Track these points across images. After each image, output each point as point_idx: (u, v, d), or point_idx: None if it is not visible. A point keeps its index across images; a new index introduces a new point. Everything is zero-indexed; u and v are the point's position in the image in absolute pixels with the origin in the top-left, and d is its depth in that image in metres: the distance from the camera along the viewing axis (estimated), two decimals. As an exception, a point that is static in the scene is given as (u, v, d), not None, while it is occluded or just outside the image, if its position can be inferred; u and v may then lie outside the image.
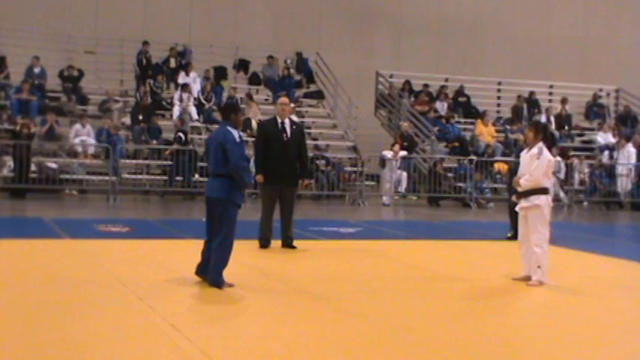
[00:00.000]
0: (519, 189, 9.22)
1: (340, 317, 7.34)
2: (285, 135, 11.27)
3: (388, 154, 20.98)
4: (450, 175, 21.50)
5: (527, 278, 9.18)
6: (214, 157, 8.34)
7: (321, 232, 13.44)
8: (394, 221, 18.02)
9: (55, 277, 8.69)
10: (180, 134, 19.86)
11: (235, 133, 8.30)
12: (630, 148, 22.86)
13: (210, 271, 8.17)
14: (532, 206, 9.09)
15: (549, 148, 9.61)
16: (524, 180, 9.15)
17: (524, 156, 9.32)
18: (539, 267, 9.06)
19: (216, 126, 21.97)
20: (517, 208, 9.44)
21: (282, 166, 11.16)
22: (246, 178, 8.46)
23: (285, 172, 11.18)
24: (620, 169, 22.55)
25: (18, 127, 18.58)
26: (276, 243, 11.26)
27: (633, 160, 22.69)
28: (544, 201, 9.10)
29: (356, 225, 15.33)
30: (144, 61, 23.13)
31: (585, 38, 28.95)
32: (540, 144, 9.18)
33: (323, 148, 22.24)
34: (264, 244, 11.20)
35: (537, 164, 9.09)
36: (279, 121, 11.34)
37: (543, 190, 9.12)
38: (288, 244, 11.28)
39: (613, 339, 7.14)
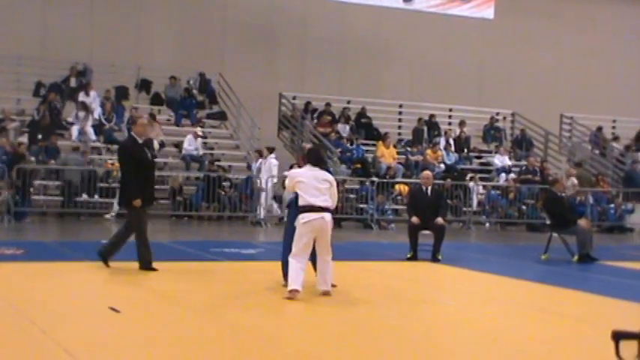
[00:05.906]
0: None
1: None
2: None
3: (290, 175, 20.99)
4: (352, 196, 21.74)
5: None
6: None
7: (222, 254, 13.39)
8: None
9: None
10: None
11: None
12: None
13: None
14: None
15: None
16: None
17: None
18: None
19: (116, 146, 21.91)
20: None
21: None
22: None
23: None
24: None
25: None
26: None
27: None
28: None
29: (257, 246, 15.33)
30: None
31: (482, 64, 29.77)
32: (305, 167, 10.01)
33: (226, 169, 22.20)
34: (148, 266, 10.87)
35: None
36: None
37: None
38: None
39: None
